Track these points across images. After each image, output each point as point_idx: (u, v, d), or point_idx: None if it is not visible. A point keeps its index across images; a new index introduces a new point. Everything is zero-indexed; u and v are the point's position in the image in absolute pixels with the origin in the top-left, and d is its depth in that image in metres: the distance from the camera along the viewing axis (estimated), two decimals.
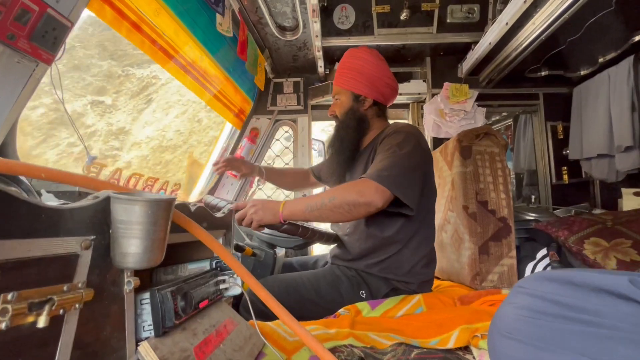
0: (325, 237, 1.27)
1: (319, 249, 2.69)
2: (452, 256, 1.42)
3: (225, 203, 1.13)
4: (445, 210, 1.47)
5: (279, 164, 2.28)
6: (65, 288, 0.37)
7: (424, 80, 2.15)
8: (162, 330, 0.52)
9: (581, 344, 0.26)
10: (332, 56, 2.12)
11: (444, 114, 2.00)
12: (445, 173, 1.50)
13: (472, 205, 1.29)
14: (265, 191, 2.33)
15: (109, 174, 1.25)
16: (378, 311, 1.10)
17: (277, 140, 2.29)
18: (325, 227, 1.41)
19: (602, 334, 0.26)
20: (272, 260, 1.36)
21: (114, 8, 1.01)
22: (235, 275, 0.81)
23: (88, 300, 0.40)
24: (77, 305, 0.38)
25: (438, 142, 2.01)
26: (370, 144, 1.27)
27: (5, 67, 0.73)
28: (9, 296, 0.31)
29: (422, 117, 2.13)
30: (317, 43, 1.79)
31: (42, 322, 0.33)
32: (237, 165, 1.49)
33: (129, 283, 0.48)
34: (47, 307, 0.34)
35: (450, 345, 0.85)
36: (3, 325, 0.30)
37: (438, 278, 1.55)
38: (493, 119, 2.65)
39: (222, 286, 0.76)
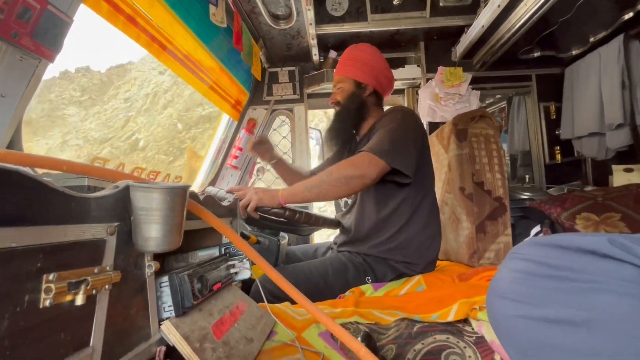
0: (328, 222, 1.31)
1: (319, 238, 2.73)
2: (450, 236, 1.47)
3: (228, 193, 1.16)
4: (443, 192, 1.51)
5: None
6: (96, 270, 0.40)
7: (418, 65, 2.16)
8: (182, 310, 0.56)
9: (566, 297, 0.30)
10: (326, 43, 2.12)
11: (439, 98, 2.02)
12: (442, 156, 1.53)
13: (469, 186, 1.33)
14: (265, 183, 2.35)
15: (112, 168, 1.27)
16: (381, 292, 1.14)
17: (275, 130, 2.30)
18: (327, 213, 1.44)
19: (585, 287, 0.29)
20: (276, 248, 1.39)
21: (109, 2, 1.01)
22: (244, 260, 0.84)
23: (116, 281, 0.43)
24: (107, 287, 0.41)
25: (434, 126, 2.04)
26: (368, 131, 1.31)
27: (9, 64, 0.74)
28: (51, 276, 0.34)
29: (418, 102, 2.15)
30: (311, 31, 1.79)
31: (79, 300, 0.36)
32: (262, 152, 1.52)
33: (150, 267, 0.51)
34: (82, 287, 0.37)
35: (450, 318, 0.89)
36: (47, 303, 0.33)
37: (438, 258, 1.60)
38: (487, 102, 2.67)
39: (232, 270, 0.79)
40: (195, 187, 2.01)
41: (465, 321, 0.91)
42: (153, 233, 0.46)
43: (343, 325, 0.87)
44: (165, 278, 0.55)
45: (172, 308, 0.56)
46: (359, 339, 0.79)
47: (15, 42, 0.68)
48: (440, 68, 2.06)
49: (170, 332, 0.53)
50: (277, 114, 2.26)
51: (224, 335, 0.62)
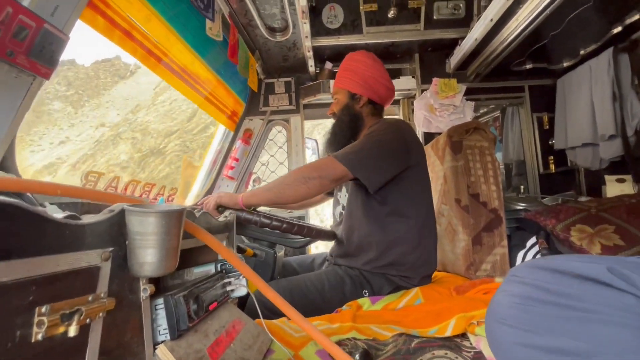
0: (322, 234, 1.30)
1: (316, 249, 2.72)
2: (446, 247, 1.47)
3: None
4: (439, 204, 1.52)
5: (273, 164, 2.30)
6: (90, 298, 0.39)
7: (413, 77, 2.19)
8: (177, 333, 0.55)
9: (566, 326, 0.30)
10: (322, 55, 2.14)
11: (434, 109, 2.04)
12: (437, 167, 1.54)
13: (464, 198, 1.33)
14: None
15: (107, 182, 1.26)
16: (378, 305, 1.14)
17: (271, 140, 2.31)
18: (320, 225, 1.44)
19: (583, 317, 0.29)
20: (273, 260, 1.38)
21: (106, 17, 1.02)
22: (240, 277, 0.84)
23: (110, 308, 0.42)
24: (101, 314, 0.41)
25: (429, 137, 2.06)
26: None
27: (4, 82, 0.73)
28: (43, 309, 0.33)
29: (413, 112, 2.17)
30: (307, 43, 1.81)
31: (72, 331, 0.36)
32: None
33: (145, 290, 0.50)
34: (76, 317, 0.36)
35: (448, 333, 0.89)
36: (40, 336, 0.32)
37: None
38: (481, 112, 2.71)
39: (228, 288, 0.78)
40: (191, 198, 2.00)
41: (464, 336, 0.90)
42: (149, 258, 0.45)
43: (341, 341, 0.87)
44: (161, 300, 0.54)
45: (167, 331, 0.55)
46: (357, 356, 0.78)
47: (10, 60, 0.68)
48: (434, 79, 2.09)
49: (165, 356, 0.52)
50: (273, 125, 2.27)
51: (220, 358, 0.61)
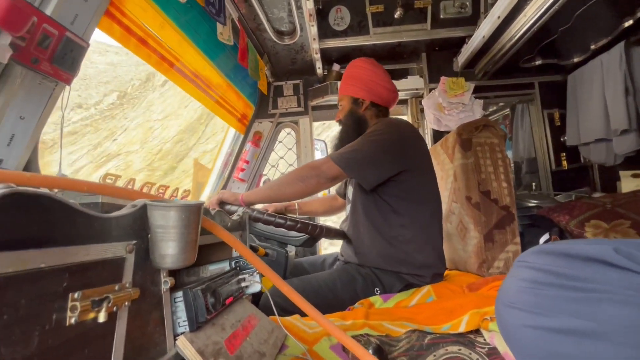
0: (333, 232, 1.31)
1: (325, 250, 2.73)
2: (458, 245, 1.46)
3: (236, 207, 1.18)
4: (449, 202, 1.51)
5: (283, 166, 2.32)
6: (116, 287, 0.42)
7: (420, 76, 2.19)
8: (196, 325, 0.57)
9: (574, 307, 0.30)
10: (329, 57, 2.16)
11: (443, 107, 2.04)
12: (447, 165, 1.54)
13: (475, 195, 1.33)
14: None
15: (123, 184, 1.30)
16: (390, 303, 1.14)
17: (280, 142, 2.33)
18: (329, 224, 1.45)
19: (592, 297, 0.30)
20: (285, 259, 1.40)
21: (122, 26, 1.06)
22: (254, 274, 0.85)
23: (135, 298, 0.44)
24: (126, 303, 0.43)
25: (439, 135, 2.05)
26: None
27: (29, 88, 0.77)
28: (76, 295, 0.35)
29: (422, 112, 2.17)
30: (315, 46, 1.84)
31: (102, 317, 0.38)
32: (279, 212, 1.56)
33: (166, 282, 0.52)
34: (105, 305, 0.38)
35: (462, 329, 0.89)
36: (73, 320, 0.35)
37: (446, 268, 1.59)
38: (491, 109, 2.69)
39: (243, 284, 0.80)
40: (203, 199, 2.03)
41: (477, 332, 0.90)
42: (170, 250, 0.47)
43: (354, 337, 0.87)
44: (180, 293, 0.56)
45: (186, 323, 0.57)
46: (370, 351, 0.79)
47: (35, 67, 0.71)
48: (442, 78, 2.09)
49: (186, 347, 0.54)
50: (282, 127, 2.30)
51: (237, 350, 0.63)
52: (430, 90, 2.14)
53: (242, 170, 2.09)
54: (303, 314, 1.06)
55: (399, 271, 1.21)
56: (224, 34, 1.36)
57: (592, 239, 0.31)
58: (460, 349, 0.83)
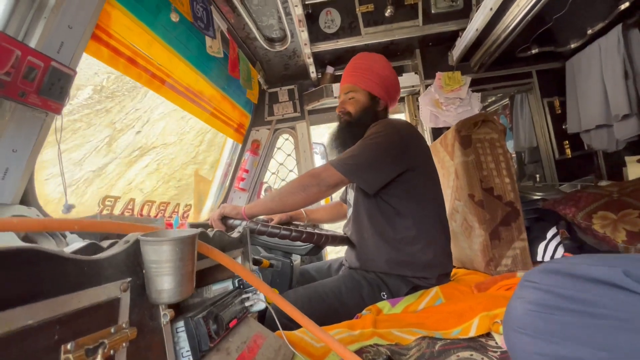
0: (335, 239, 1.29)
1: (332, 254, 2.72)
2: (464, 244, 1.44)
3: (239, 221, 1.17)
4: (452, 200, 1.50)
5: (283, 172, 2.31)
6: (112, 330, 0.41)
7: (415, 73, 2.17)
8: (199, 354, 0.56)
9: (584, 334, 0.29)
10: (322, 60, 2.14)
11: (440, 103, 2.01)
12: (448, 163, 1.52)
13: (478, 193, 1.31)
14: None
15: (123, 204, 1.29)
16: (398, 308, 1.13)
17: (279, 149, 2.32)
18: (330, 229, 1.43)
19: (601, 324, 0.28)
20: (290, 270, 1.39)
21: (110, 47, 1.05)
22: (258, 292, 0.84)
23: (132, 338, 0.43)
24: (124, 345, 0.42)
25: (437, 132, 2.03)
26: None
27: (18, 121, 0.77)
28: (69, 346, 0.34)
29: (418, 109, 2.15)
30: (307, 50, 1.82)
31: None
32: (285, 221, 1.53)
33: (165, 316, 0.51)
34: (100, 351, 0.37)
35: (472, 333, 0.87)
36: None
37: (453, 266, 1.58)
38: (489, 100, 2.66)
39: (247, 304, 0.79)
40: (205, 213, 2.03)
41: (488, 335, 0.89)
42: (165, 285, 0.46)
43: (363, 348, 0.86)
44: (181, 323, 0.55)
45: (189, 353, 0.56)
46: None
47: (23, 100, 0.71)
48: (438, 74, 2.07)
49: None
50: (279, 133, 2.29)
51: None
52: (427, 86, 2.11)
53: (243, 179, 2.08)
54: None
55: (404, 274, 1.20)
56: (214, 46, 1.35)
57: (601, 256, 0.30)
58: (472, 354, 0.81)
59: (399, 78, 2.14)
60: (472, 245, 1.37)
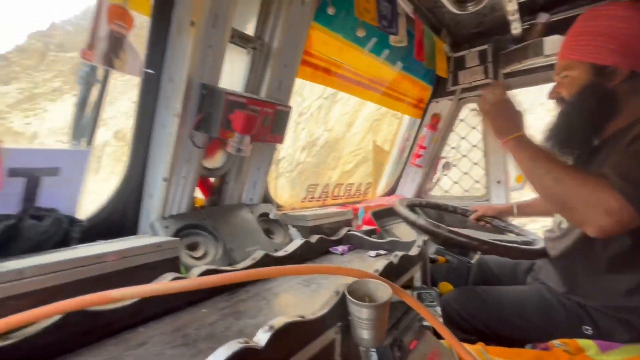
0: (527, 253, 1.12)
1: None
2: None
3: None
4: None
5: (465, 147, 2.11)
6: None
7: None
8: None
9: None
10: (532, 5, 1.65)
11: None
12: None
13: None
14: (451, 179, 2.22)
15: (322, 188, 1.57)
16: (610, 356, 0.92)
17: (462, 121, 2.10)
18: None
19: None
20: (466, 269, 1.36)
21: (311, 65, 1.21)
22: (435, 308, 0.90)
23: None
24: None
25: None
26: (620, 133, 0.92)
27: (260, 151, 1.05)
28: None
29: None
30: None
31: None
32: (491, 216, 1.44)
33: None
34: None
35: None
36: None
37: None
38: None
39: (425, 323, 0.86)
40: (380, 189, 2.16)
41: None
42: (365, 335, 0.58)
43: None
44: (374, 351, 0.68)
45: None
46: None
47: (262, 141, 0.96)
48: None
49: None
50: (464, 103, 2.04)
51: None
52: None
53: (419, 156, 2.05)
54: (489, 340, 1.03)
55: (627, 318, 0.94)
56: (397, 37, 1.30)
57: None
58: None
59: None
60: None
